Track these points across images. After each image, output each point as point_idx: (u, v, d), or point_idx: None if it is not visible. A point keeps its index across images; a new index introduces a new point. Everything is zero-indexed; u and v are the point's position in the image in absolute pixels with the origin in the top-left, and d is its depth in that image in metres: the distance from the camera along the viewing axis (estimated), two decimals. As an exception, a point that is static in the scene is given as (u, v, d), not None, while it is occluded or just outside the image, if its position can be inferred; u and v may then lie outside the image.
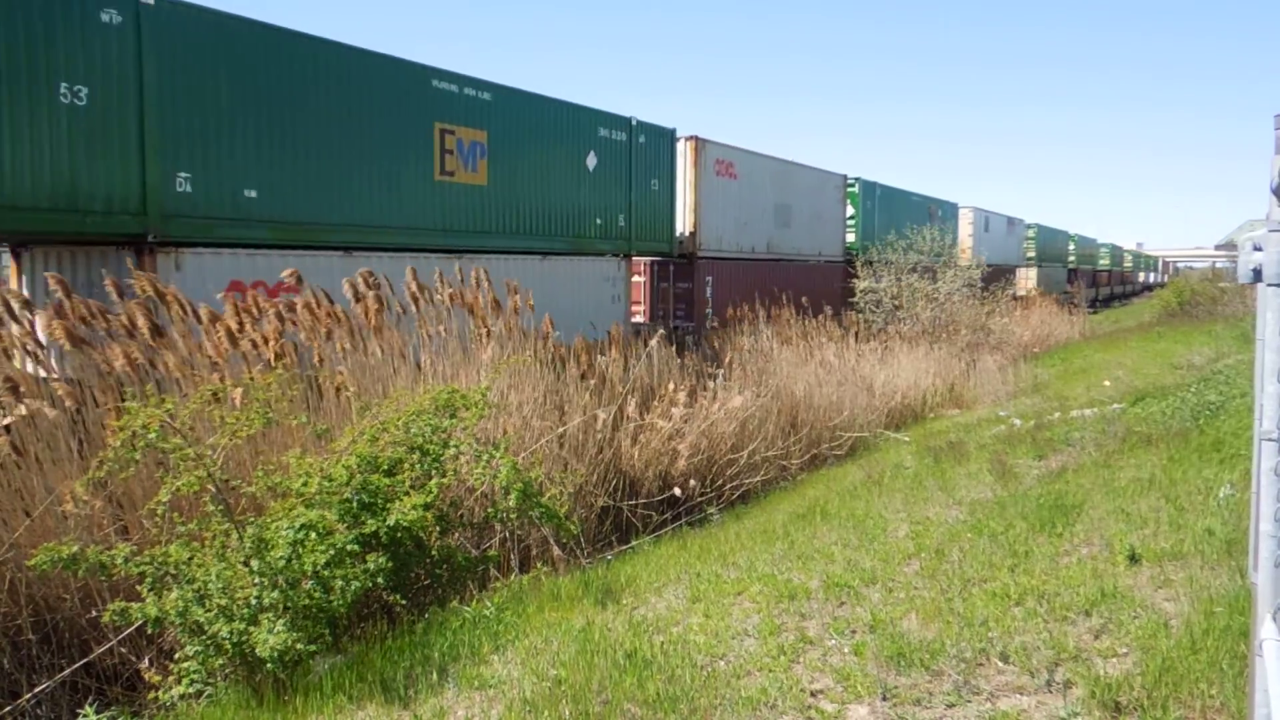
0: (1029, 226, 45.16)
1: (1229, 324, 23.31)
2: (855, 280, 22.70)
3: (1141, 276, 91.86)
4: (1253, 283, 2.24)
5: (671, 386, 10.22)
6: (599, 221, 15.08)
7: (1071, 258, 55.26)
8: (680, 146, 17.62)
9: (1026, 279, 42.55)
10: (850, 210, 25.72)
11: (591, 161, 14.76)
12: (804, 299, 18.15)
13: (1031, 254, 44.77)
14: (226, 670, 4.62)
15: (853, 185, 25.88)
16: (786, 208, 21.60)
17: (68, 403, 6.01)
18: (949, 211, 33.49)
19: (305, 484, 5.08)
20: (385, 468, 5.43)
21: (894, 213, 27.81)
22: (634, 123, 15.89)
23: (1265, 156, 2.14)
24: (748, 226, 19.85)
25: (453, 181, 12.12)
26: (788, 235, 21.73)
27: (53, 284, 6.58)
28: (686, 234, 17.79)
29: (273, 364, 7.04)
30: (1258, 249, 2.21)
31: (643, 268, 17.72)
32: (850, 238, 25.71)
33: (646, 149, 16.31)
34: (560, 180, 14.23)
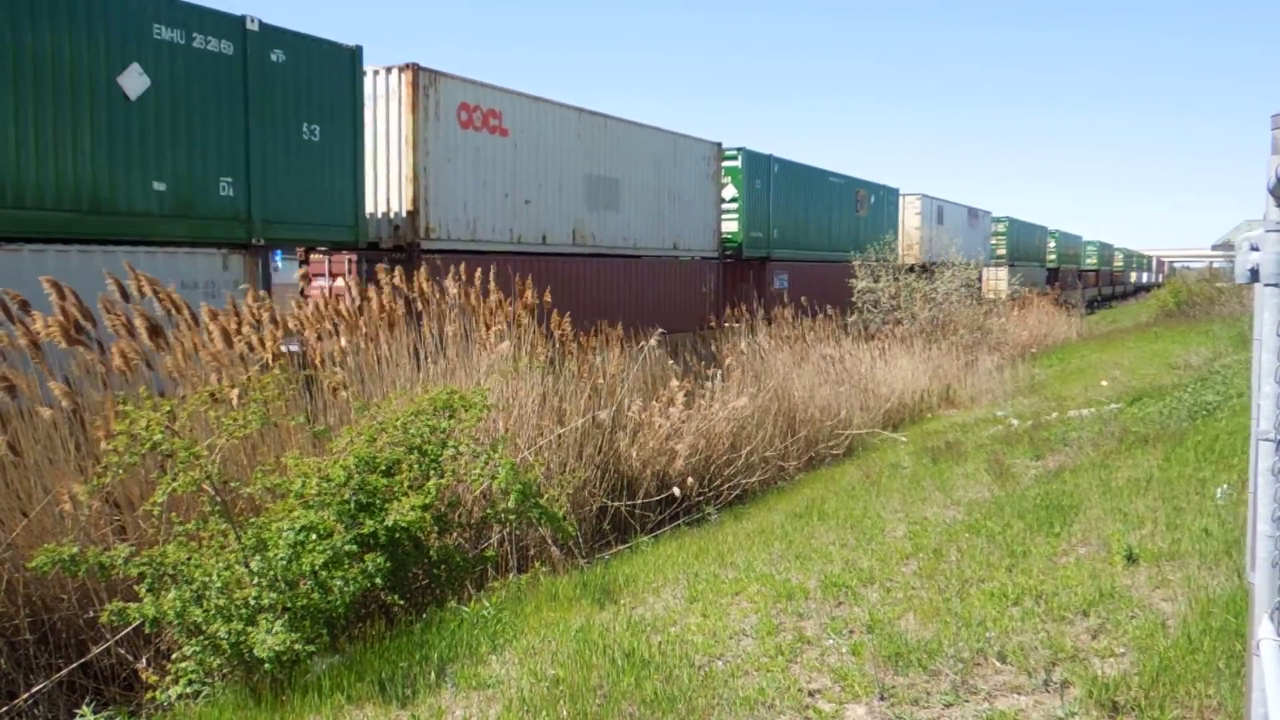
0: (998, 220, 40.03)
1: (1226, 324, 23.36)
2: (857, 282, 22.34)
3: (1134, 277, 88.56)
4: (1250, 283, 2.25)
5: (674, 384, 10.23)
6: (161, 188, 9.13)
7: (1051, 256, 50.45)
8: (385, 80, 12.10)
9: (995, 280, 36.58)
10: (732, 191, 19.93)
11: (135, 83, 8.80)
12: (634, 307, 14.33)
13: (1002, 252, 39.62)
14: (224, 670, 4.62)
15: (733, 157, 19.97)
16: (610, 183, 15.63)
17: (64, 403, 6.00)
18: (886, 198, 28.07)
19: (304, 485, 5.07)
20: (383, 468, 5.42)
21: (802, 196, 22.56)
22: (253, 26, 9.90)
23: (1262, 157, 2.14)
24: (533, 207, 14.04)
25: None
26: (612, 221, 15.80)
27: (46, 286, 6.49)
28: (402, 214, 12.06)
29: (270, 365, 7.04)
30: (1255, 249, 2.21)
31: (348, 266, 12.04)
32: (731, 227, 20.02)
33: (290, 74, 10.24)
34: (44, 111, 8.21)
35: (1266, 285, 2.19)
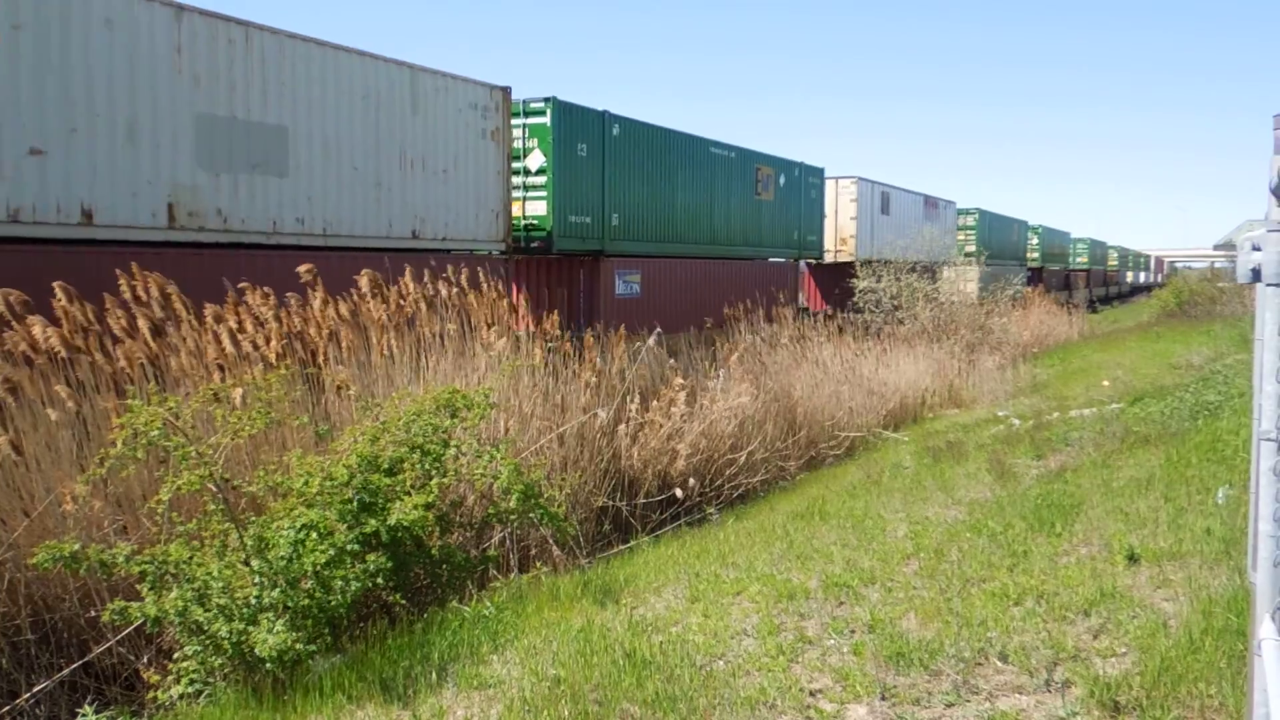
0: (965, 211, 34.68)
1: (1227, 324, 23.35)
2: (859, 282, 22.37)
3: (1131, 277, 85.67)
4: (1251, 283, 2.25)
5: (676, 384, 10.22)
6: None
7: (1034, 254, 45.64)
8: None
9: (965, 282, 28.36)
10: (540, 159, 14.35)
11: None
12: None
13: (971, 248, 33.72)
14: (226, 670, 4.62)
15: (539, 111, 14.29)
16: (268, 133, 10.21)
17: (68, 404, 6.00)
18: (804, 179, 22.36)
19: (306, 484, 5.08)
20: (386, 467, 5.43)
21: (663, 171, 16.85)
22: None
23: (1264, 157, 2.14)
24: (61, 161, 8.44)
25: None
26: (272, 192, 10.37)
27: (58, 289, 6.49)
28: None
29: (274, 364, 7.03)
30: (1256, 249, 2.21)
31: None
32: (538, 209, 14.46)
33: None
34: None
35: (1268, 285, 2.19)
